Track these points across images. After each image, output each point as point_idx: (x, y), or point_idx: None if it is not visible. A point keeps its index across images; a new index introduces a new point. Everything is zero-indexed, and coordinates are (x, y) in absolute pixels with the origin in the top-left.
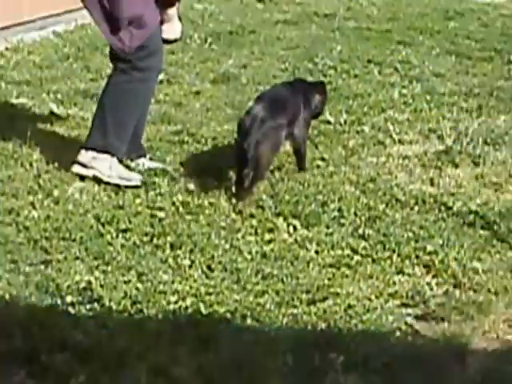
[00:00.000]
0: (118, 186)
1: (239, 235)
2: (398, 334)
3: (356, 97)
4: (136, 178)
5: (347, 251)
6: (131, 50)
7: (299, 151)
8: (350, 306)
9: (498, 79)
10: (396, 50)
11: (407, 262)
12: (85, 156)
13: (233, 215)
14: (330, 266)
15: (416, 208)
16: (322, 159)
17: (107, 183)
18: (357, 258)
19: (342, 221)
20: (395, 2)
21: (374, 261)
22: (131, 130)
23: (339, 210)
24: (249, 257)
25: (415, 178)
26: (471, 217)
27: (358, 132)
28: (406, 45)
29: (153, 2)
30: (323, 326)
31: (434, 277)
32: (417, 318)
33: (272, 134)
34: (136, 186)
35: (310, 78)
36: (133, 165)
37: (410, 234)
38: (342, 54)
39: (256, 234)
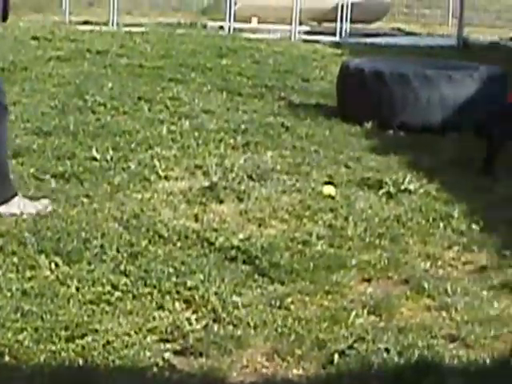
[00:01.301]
0: None
1: (0, 272)
2: (155, 369)
3: (124, 133)
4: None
5: (108, 287)
6: None
7: None
8: (108, 342)
9: (267, 116)
10: (167, 87)
11: (168, 297)
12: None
13: None
14: (91, 302)
15: (179, 244)
16: (87, 196)
17: None
18: (117, 294)
19: (104, 257)
20: (169, 39)
21: (134, 297)
22: None
23: (101, 246)
24: (9, 294)
25: (179, 214)
26: (233, 252)
27: (123, 169)
28: (178, 82)
29: None
30: (81, 362)
31: (194, 312)
32: (175, 353)
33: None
34: None
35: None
36: None
37: (171, 270)
38: (113, 90)
39: (17, 271)
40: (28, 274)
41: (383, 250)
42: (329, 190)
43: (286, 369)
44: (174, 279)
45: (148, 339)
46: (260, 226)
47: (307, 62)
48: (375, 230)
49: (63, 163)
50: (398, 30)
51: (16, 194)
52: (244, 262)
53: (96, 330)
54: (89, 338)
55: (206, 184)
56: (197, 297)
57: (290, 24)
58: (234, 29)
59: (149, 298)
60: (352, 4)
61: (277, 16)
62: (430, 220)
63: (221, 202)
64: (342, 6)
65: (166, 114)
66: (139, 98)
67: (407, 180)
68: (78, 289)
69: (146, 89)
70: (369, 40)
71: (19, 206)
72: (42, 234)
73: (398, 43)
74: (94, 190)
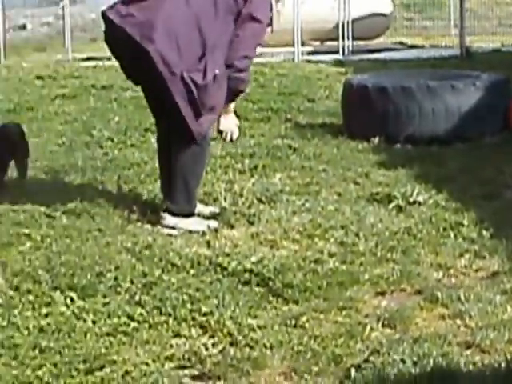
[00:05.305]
0: None
1: (16, 311)
2: None
3: (132, 166)
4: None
5: (124, 319)
6: (205, 133)
7: None
8: (127, 372)
9: (274, 138)
10: None
11: (183, 324)
12: (171, 220)
13: (10, 292)
14: (107, 334)
15: (192, 271)
16: (99, 230)
17: None
18: (133, 324)
19: (119, 289)
20: None
21: (150, 326)
22: None
23: (115, 278)
24: (26, 332)
25: (191, 242)
26: (246, 275)
27: (134, 201)
28: None
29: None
30: None
31: (210, 337)
32: (193, 378)
33: None
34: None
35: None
36: None
37: (186, 297)
38: (120, 124)
39: (33, 308)
40: (44, 310)
41: (395, 263)
42: None
43: None
44: (188, 306)
45: (166, 366)
46: (272, 247)
47: (311, 83)
48: (386, 243)
49: (73, 199)
50: (401, 43)
51: (193, 215)
52: (257, 285)
53: (114, 361)
54: (107, 370)
55: (216, 210)
56: (212, 322)
57: (293, 46)
58: None
59: (165, 326)
60: (353, 21)
61: (278, 39)
62: (441, 230)
63: (232, 226)
64: (343, 24)
65: None
66: (146, 130)
67: (416, 192)
68: (94, 322)
69: (153, 120)
70: (372, 56)
71: (190, 224)
72: (55, 271)
73: (401, 57)
74: (105, 224)
